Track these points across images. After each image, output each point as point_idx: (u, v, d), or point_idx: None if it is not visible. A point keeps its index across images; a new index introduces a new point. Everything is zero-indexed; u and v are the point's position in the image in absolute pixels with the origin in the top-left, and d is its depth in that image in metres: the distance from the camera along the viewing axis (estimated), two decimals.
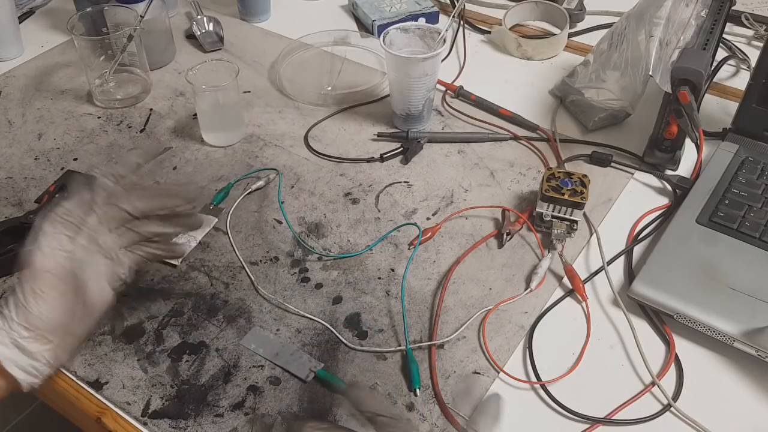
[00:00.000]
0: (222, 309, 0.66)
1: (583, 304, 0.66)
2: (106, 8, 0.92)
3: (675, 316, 0.62)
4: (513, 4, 1.06)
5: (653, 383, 0.59)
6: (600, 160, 0.81)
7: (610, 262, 0.70)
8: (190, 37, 1.07)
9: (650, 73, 0.78)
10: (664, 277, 0.65)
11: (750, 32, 1.03)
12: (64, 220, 0.52)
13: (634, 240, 0.72)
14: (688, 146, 0.81)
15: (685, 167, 0.80)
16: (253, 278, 0.69)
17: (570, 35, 1.04)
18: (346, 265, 0.70)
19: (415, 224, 0.74)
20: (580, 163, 0.82)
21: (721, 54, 0.97)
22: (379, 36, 0.89)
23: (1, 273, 0.70)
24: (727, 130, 0.81)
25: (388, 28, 0.84)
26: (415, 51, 0.84)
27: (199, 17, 1.07)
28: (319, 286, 0.68)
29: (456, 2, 0.95)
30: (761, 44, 0.91)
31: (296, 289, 0.68)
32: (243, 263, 0.71)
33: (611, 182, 0.79)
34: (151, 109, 0.93)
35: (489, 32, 1.05)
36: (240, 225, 0.75)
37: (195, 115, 0.90)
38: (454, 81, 0.95)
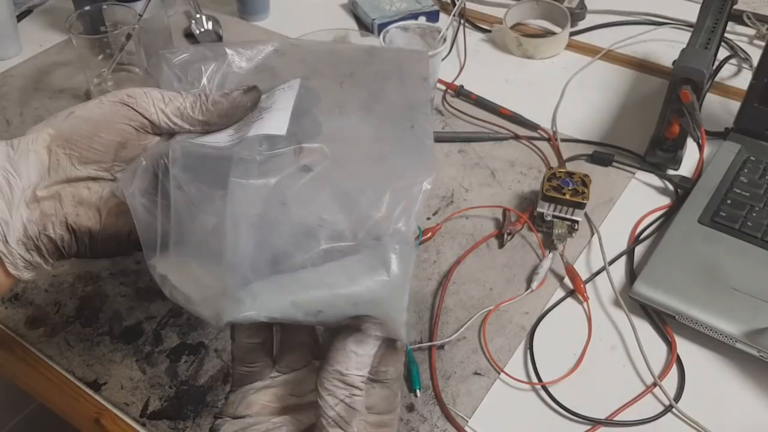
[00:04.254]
0: None
1: (585, 304, 0.66)
2: (104, 7, 0.92)
3: (677, 317, 0.62)
4: (514, 2, 1.06)
5: (655, 384, 0.59)
6: (601, 159, 0.81)
7: (611, 263, 0.69)
8: (189, 35, 1.06)
9: None
10: (666, 278, 0.64)
11: (752, 31, 1.02)
12: None
13: (635, 240, 0.72)
14: (690, 146, 0.81)
15: (686, 167, 0.80)
16: None
17: (571, 34, 1.03)
18: None
19: None
20: (581, 162, 0.82)
21: (722, 53, 0.96)
22: (379, 35, 0.89)
23: None
24: (729, 130, 0.80)
25: (388, 27, 0.83)
26: None
27: (198, 16, 1.06)
28: None
29: (456, 1, 0.94)
30: (763, 43, 0.90)
31: None
32: None
33: (612, 182, 0.79)
34: None
35: (489, 31, 1.05)
36: None
37: None
38: (454, 80, 0.95)
